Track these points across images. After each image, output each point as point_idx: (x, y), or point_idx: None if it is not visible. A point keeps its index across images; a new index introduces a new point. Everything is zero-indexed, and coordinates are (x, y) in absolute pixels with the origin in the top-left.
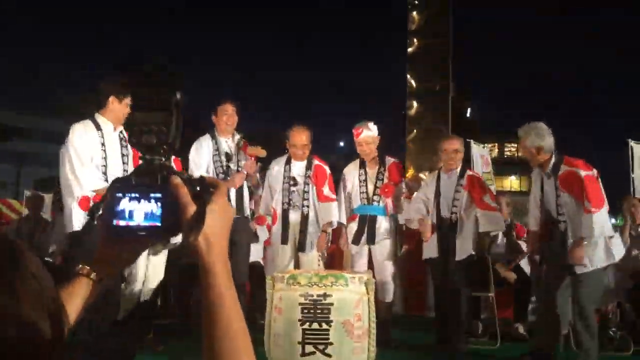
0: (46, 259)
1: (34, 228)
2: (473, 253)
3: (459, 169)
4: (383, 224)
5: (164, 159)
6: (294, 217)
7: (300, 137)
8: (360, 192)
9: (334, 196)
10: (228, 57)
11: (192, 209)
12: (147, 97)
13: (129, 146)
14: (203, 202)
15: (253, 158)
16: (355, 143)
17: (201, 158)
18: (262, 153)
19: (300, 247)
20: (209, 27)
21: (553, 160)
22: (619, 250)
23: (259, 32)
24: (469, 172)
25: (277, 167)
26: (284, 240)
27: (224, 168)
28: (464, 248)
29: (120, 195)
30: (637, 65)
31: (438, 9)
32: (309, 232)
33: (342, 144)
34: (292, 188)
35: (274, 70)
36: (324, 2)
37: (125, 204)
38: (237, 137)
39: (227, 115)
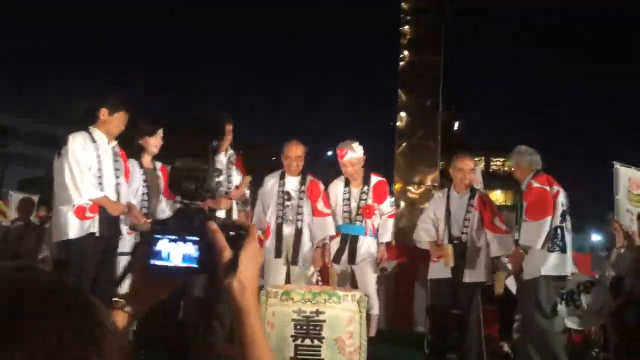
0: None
1: (24, 232)
2: (485, 280)
3: (469, 189)
4: (364, 244)
5: (201, 204)
6: (288, 231)
7: (295, 150)
8: (343, 211)
9: (328, 211)
10: (216, 64)
11: (227, 253)
12: (185, 144)
13: (121, 160)
14: (238, 247)
15: (241, 186)
16: (340, 163)
17: None
18: (247, 181)
19: (293, 260)
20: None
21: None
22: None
23: (251, 34)
24: (479, 193)
25: (271, 182)
26: (278, 254)
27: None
28: (476, 272)
29: (159, 236)
30: (628, 84)
31: (430, 24)
32: (302, 246)
33: (329, 152)
34: (287, 202)
35: (262, 79)
36: (319, 8)
37: (163, 245)
38: (230, 152)
39: (228, 132)
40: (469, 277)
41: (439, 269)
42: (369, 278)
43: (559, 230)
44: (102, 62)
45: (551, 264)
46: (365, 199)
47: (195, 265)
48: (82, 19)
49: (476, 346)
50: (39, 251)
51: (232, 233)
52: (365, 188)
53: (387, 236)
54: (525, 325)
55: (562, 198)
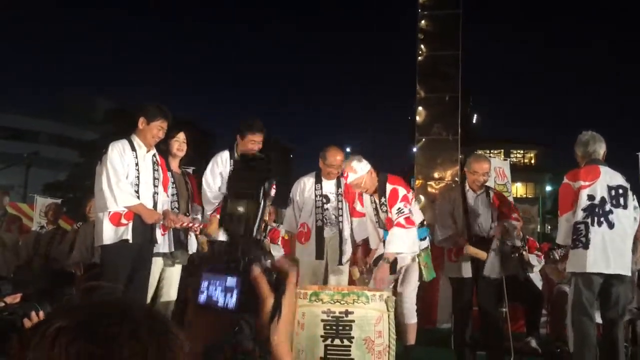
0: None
1: (54, 236)
2: (499, 277)
3: (483, 187)
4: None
5: (247, 247)
6: (329, 233)
7: (336, 158)
8: (375, 222)
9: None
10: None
11: (270, 300)
12: (239, 185)
13: (160, 170)
14: (280, 295)
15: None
16: None
17: (214, 177)
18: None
19: (339, 261)
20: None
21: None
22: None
23: (263, 27)
24: (493, 190)
25: (307, 186)
26: (320, 256)
27: None
28: (495, 267)
29: (207, 277)
30: None
31: (448, 18)
32: (345, 247)
33: (348, 149)
34: (325, 206)
35: (273, 71)
36: (328, 7)
37: (209, 286)
38: None
39: (254, 144)
40: (489, 272)
41: (457, 269)
42: (410, 285)
43: (581, 226)
44: (125, 63)
45: (574, 261)
46: (385, 211)
47: (234, 308)
48: (111, 16)
49: (501, 342)
50: (67, 255)
51: (274, 276)
52: (383, 199)
53: (389, 247)
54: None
55: (588, 192)
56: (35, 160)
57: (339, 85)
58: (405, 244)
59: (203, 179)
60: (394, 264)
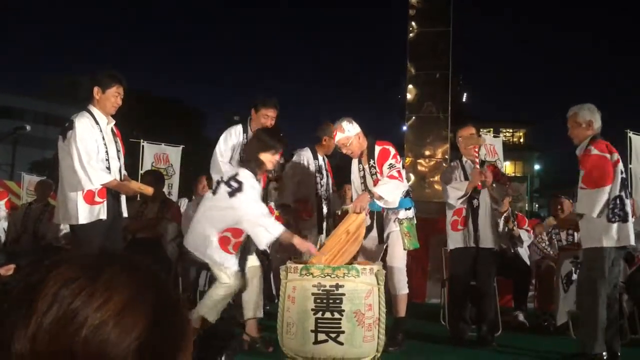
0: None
1: (42, 213)
2: (496, 248)
3: (478, 158)
4: (386, 219)
5: None
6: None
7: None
8: (362, 190)
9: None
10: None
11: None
12: None
13: (118, 140)
14: None
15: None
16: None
17: (227, 149)
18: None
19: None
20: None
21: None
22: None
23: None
24: (489, 164)
25: (310, 161)
26: (320, 230)
27: None
28: (492, 237)
29: None
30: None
31: None
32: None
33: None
34: (322, 181)
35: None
36: None
37: None
38: None
39: (267, 119)
40: (490, 242)
41: (461, 239)
42: (395, 253)
43: (618, 200)
44: (116, 40)
45: (614, 235)
46: (375, 173)
47: None
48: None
49: (492, 316)
50: (57, 231)
51: None
52: (372, 162)
53: (378, 188)
54: (585, 292)
55: (621, 166)
56: (22, 138)
57: (329, 65)
58: (392, 193)
59: (216, 149)
60: (380, 232)
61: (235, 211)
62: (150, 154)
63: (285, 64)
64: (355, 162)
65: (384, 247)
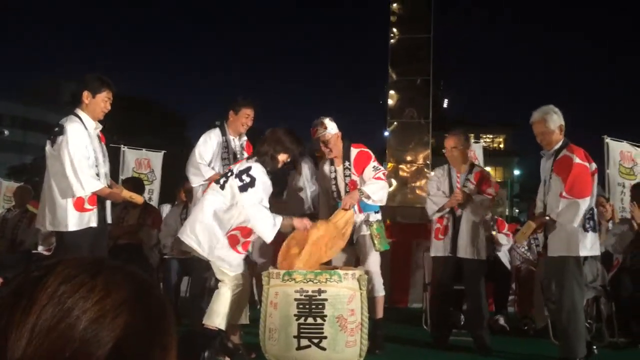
0: (33, 251)
1: (20, 220)
2: (484, 259)
3: (467, 165)
4: (358, 220)
5: None
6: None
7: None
8: (332, 191)
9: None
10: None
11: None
12: None
13: (104, 147)
14: None
15: None
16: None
17: (207, 151)
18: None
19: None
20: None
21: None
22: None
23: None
24: (477, 168)
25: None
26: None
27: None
28: (476, 248)
29: None
30: (619, 59)
31: (420, 1)
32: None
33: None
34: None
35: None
36: None
37: None
38: (244, 138)
39: (248, 118)
40: (469, 253)
41: (441, 247)
42: (369, 256)
43: (593, 210)
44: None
45: (588, 244)
46: (349, 175)
47: None
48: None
49: (483, 320)
50: (36, 238)
51: None
52: (347, 163)
53: (369, 187)
54: (558, 302)
55: (596, 176)
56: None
57: (311, 70)
58: (378, 194)
59: (195, 150)
60: (352, 233)
61: (244, 208)
62: (132, 159)
63: (260, 70)
64: (326, 164)
65: (354, 250)
